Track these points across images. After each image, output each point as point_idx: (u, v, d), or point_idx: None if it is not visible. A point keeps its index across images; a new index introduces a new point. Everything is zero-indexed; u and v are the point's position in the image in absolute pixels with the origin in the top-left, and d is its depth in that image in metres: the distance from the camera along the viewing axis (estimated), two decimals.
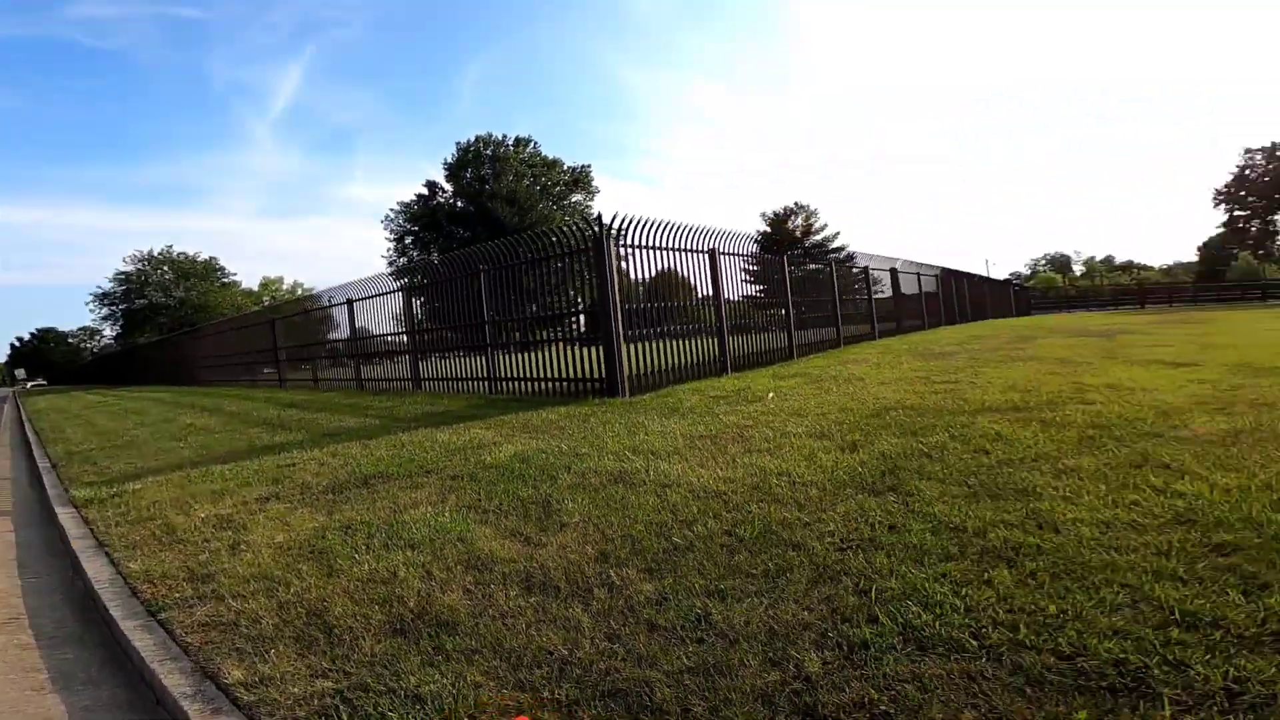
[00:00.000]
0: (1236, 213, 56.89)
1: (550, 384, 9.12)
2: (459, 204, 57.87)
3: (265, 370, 20.46)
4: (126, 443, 8.54)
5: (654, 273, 9.16)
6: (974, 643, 2.00)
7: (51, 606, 3.34)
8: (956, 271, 26.34)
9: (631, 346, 8.44)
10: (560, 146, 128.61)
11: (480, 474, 4.56)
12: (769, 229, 54.53)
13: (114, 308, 66.30)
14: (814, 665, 1.99)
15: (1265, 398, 4.87)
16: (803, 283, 13.65)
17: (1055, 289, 58.14)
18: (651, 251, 8.93)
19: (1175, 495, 2.95)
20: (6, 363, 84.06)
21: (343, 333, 15.36)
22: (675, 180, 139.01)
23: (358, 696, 2.02)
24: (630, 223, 8.55)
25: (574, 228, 8.83)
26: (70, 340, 79.91)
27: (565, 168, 61.05)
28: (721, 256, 10.20)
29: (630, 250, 8.73)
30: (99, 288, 66.92)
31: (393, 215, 60.20)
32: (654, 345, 8.80)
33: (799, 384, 7.82)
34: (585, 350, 8.71)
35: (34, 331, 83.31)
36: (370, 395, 12.44)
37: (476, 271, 10.51)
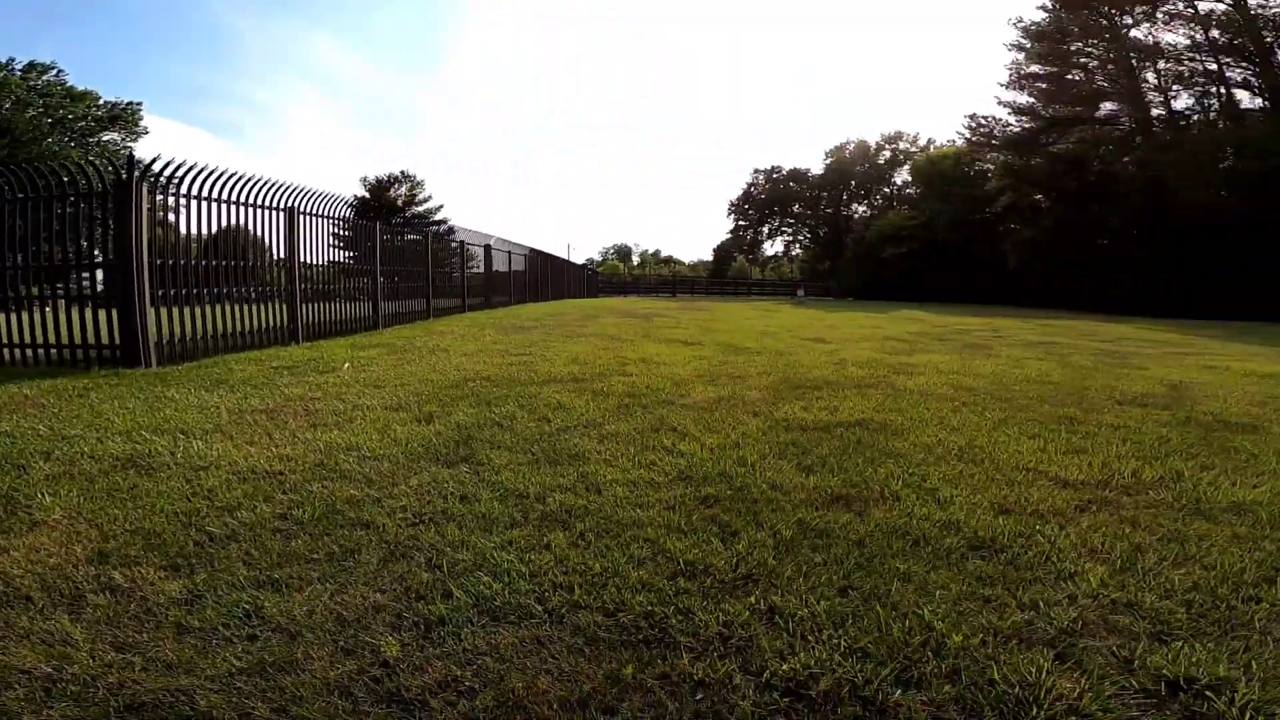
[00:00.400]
0: (740, 223, 73.87)
1: (28, 350, 6.75)
2: None
3: None
4: None
5: (218, 228, 7.74)
6: (539, 607, 2.08)
7: None
8: (543, 253, 28.55)
9: (173, 310, 6.86)
10: (109, 83, 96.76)
11: None
12: (368, 195, 51.69)
13: None
14: (392, 648, 1.89)
15: (739, 371, 6.53)
16: (398, 252, 13.14)
17: (617, 275, 68.29)
18: (214, 204, 7.61)
19: (679, 455, 3.64)
20: None
21: None
22: (266, 135, 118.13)
23: None
24: (183, 169, 7.11)
25: (91, 165, 6.89)
26: None
27: (101, 102, 48.26)
28: (301, 216, 9.12)
29: (185, 200, 7.28)
30: None
31: None
32: (203, 310, 7.32)
33: (380, 354, 7.44)
34: (101, 314, 6.71)
35: None
36: None
37: None
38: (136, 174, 6.59)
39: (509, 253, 21.57)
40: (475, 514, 2.80)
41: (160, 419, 4.15)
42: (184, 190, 7.22)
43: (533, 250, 25.67)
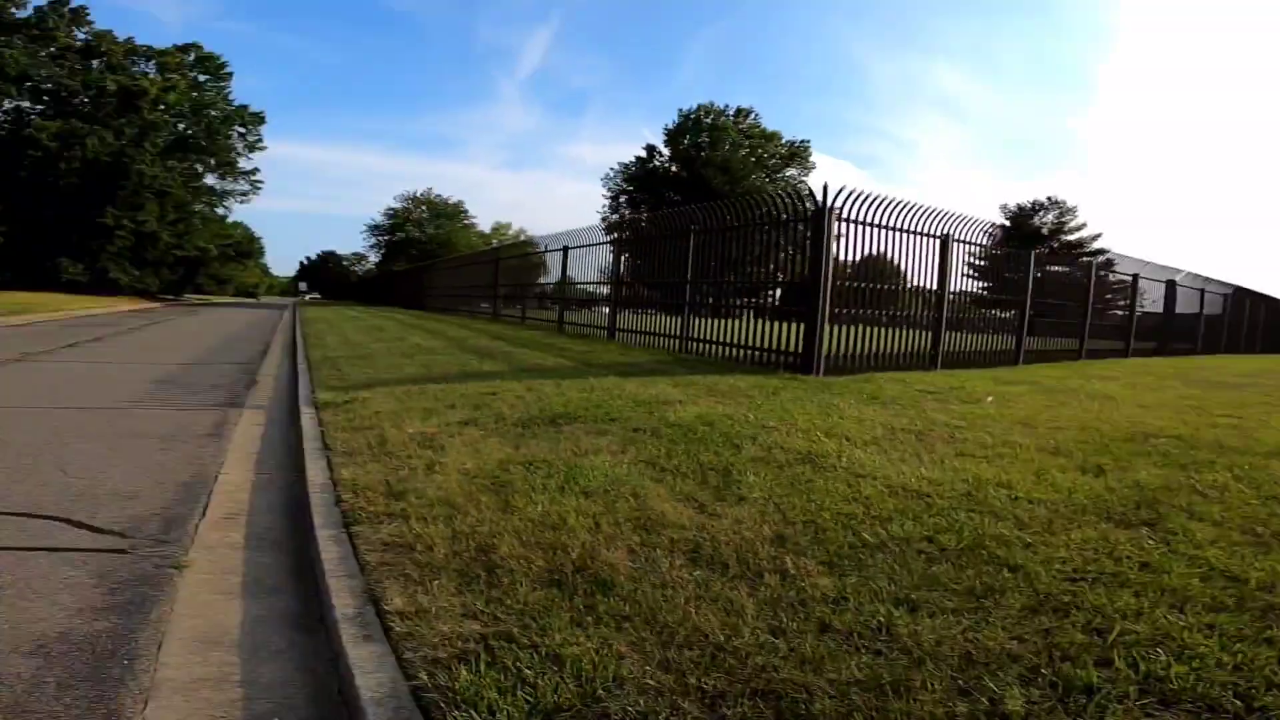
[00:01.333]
0: None
1: (740, 350, 8.91)
2: (674, 169, 59.35)
3: (481, 304, 22.58)
4: (366, 355, 9.79)
5: (865, 253, 8.51)
6: (1238, 703, 1.67)
7: (269, 507, 3.55)
8: (1254, 292, 21.50)
9: (832, 326, 7.92)
10: (778, 120, 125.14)
11: (663, 430, 4.49)
12: (1008, 222, 49.24)
13: (380, 238, 77.95)
14: (1015, 703, 1.65)
15: None
16: (1043, 283, 11.92)
17: None
18: (872, 229, 8.25)
19: None
20: (295, 277, 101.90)
21: (553, 278, 16.40)
22: (900, 163, 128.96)
23: (500, 646, 1.91)
24: (855, 197, 7.97)
25: (792, 196, 8.51)
26: (344, 262, 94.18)
27: (783, 141, 60.62)
28: (955, 244, 9.16)
29: (848, 225, 8.11)
30: (371, 220, 79.29)
31: (611, 174, 63.38)
32: (855, 328, 8.20)
33: (1026, 391, 6.80)
34: (780, 324, 8.37)
35: (319, 253, 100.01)
36: (567, 338, 13.11)
37: (686, 231, 10.54)
38: (830, 203, 7.75)
39: (1200, 291, 17.00)
40: (1160, 585, 2.30)
41: (830, 423, 4.73)
42: (850, 215, 7.97)
43: (1236, 289, 19.49)
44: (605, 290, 13.98)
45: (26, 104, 39.61)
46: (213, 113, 46.37)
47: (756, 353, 8.58)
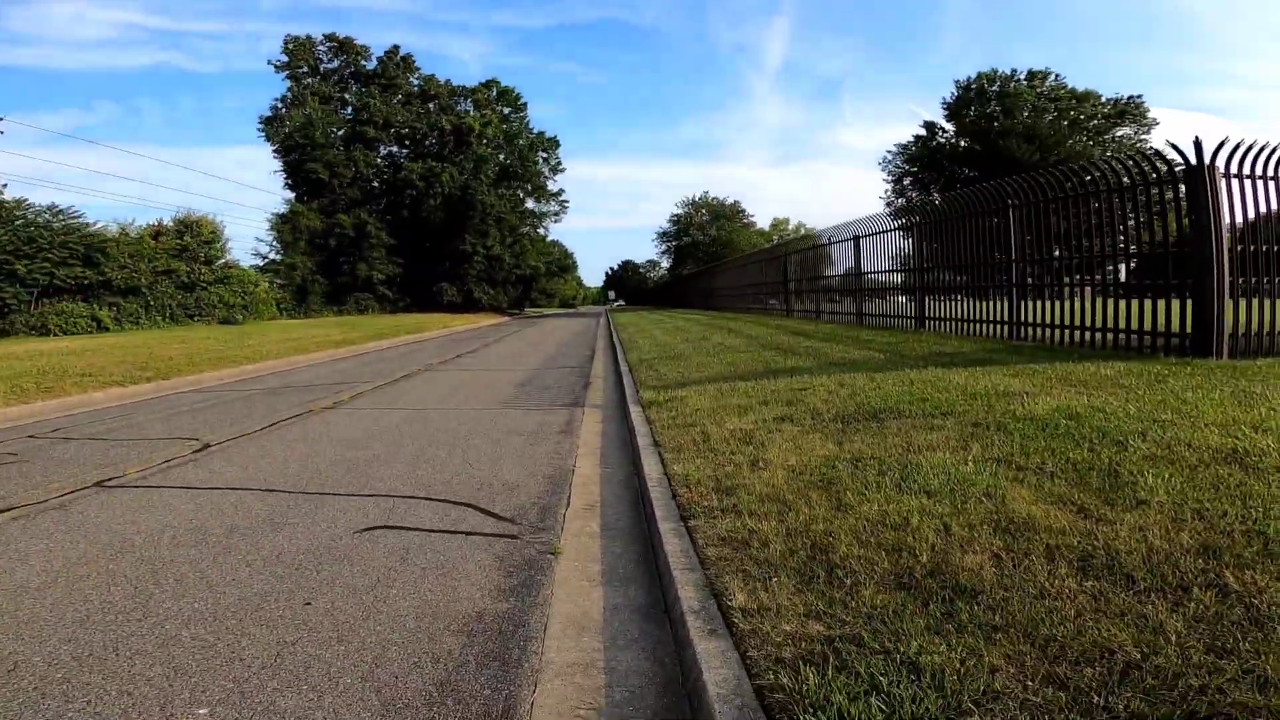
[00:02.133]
0: None
1: (1095, 334, 7.47)
2: (962, 143, 53.34)
3: (770, 301, 22.65)
4: (676, 355, 10.46)
5: (1263, 213, 6.51)
6: None
7: (616, 498, 3.92)
8: None
9: (1233, 301, 6.20)
10: (1086, 79, 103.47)
11: (1011, 425, 3.91)
12: None
13: (668, 244, 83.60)
14: None
15: None
16: None
17: None
18: (1269, 183, 6.36)
19: None
20: (603, 286, 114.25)
21: (844, 268, 15.72)
22: (1266, 106, 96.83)
23: (848, 650, 1.79)
24: (1242, 148, 6.19)
25: (1147, 155, 6.89)
26: (640, 269, 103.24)
27: (1103, 100, 50.43)
28: None
29: (1238, 182, 6.31)
30: (660, 228, 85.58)
31: (889, 157, 58.98)
32: (1268, 302, 6.30)
33: None
34: (1139, 302, 6.81)
35: (620, 263, 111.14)
36: (870, 330, 12.42)
37: (1003, 206, 9.30)
38: (1208, 158, 6.13)
39: None
40: None
41: (1256, 417, 3.65)
42: (1240, 171, 6.25)
43: None
44: (899, 279, 12.99)
45: (395, 149, 48.47)
46: (520, 141, 52.04)
47: (1121, 335, 7.12)
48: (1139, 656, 1.64)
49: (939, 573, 2.19)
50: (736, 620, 2.04)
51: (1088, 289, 8.20)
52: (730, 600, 2.17)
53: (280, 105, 46.47)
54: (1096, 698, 1.50)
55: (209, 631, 2.24)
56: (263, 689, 1.90)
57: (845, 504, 2.92)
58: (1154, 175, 6.80)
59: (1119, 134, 49.45)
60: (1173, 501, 2.58)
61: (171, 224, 29.55)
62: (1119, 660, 1.63)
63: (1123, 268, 8.03)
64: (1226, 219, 6.17)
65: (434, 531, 3.26)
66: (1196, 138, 6.27)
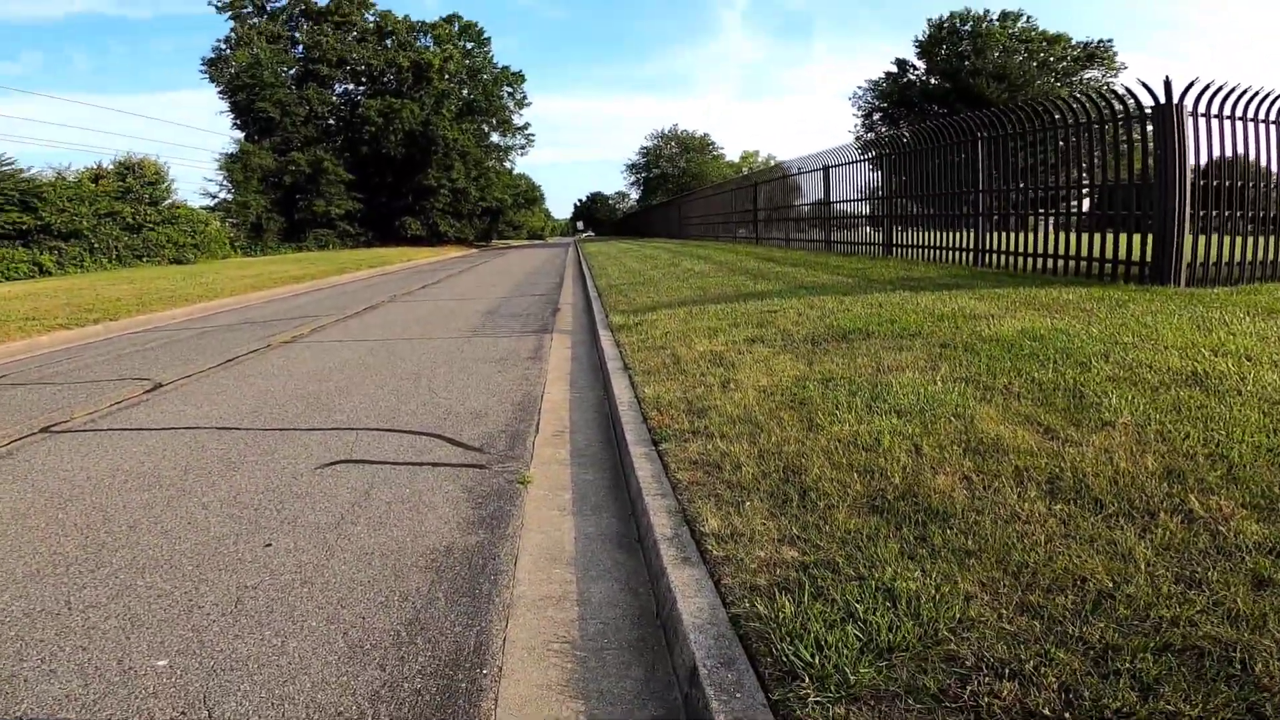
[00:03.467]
0: None
1: (1057, 261, 7.56)
2: (932, 81, 53.42)
3: (739, 231, 22.44)
4: (646, 281, 10.30)
5: (1220, 153, 6.64)
6: None
7: (587, 423, 3.85)
8: None
9: (1205, 234, 6.42)
10: (1060, 24, 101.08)
11: (977, 346, 3.93)
12: None
13: (638, 176, 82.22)
14: None
15: None
16: None
17: None
18: (1227, 123, 6.51)
19: None
20: (571, 218, 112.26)
21: (812, 198, 15.58)
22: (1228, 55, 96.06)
23: (823, 576, 1.77)
24: (1208, 90, 6.38)
25: (1119, 93, 6.88)
26: (609, 201, 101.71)
27: (1074, 43, 50.59)
28: None
29: (1196, 120, 6.41)
30: (628, 161, 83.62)
31: (860, 93, 58.72)
32: (1220, 235, 6.50)
33: None
34: (1099, 234, 6.98)
35: (588, 195, 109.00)
36: (839, 256, 12.38)
37: (973, 140, 9.27)
38: (1176, 97, 6.15)
39: None
40: None
41: (1215, 341, 3.69)
42: (1220, 111, 6.28)
43: None
44: (866, 209, 12.98)
45: (351, 86, 46.97)
46: (484, 76, 51.01)
47: (1082, 262, 7.23)
48: (1110, 585, 1.64)
49: (911, 495, 2.19)
50: (710, 547, 2.01)
51: (1050, 220, 8.27)
52: (703, 526, 2.14)
53: (224, 47, 43.84)
54: (1071, 627, 1.50)
55: (165, 579, 2.15)
56: (223, 636, 1.82)
57: (817, 424, 2.91)
58: (1123, 112, 6.81)
59: (1087, 76, 49.88)
60: (1136, 423, 2.61)
61: (112, 167, 27.97)
62: (1091, 589, 1.64)
63: (1086, 201, 8.08)
64: (1191, 157, 6.26)
65: (399, 464, 3.18)
66: (1167, 77, 6.37)
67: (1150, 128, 6.49)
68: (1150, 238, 6.45)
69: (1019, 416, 2.79)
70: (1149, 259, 6.42)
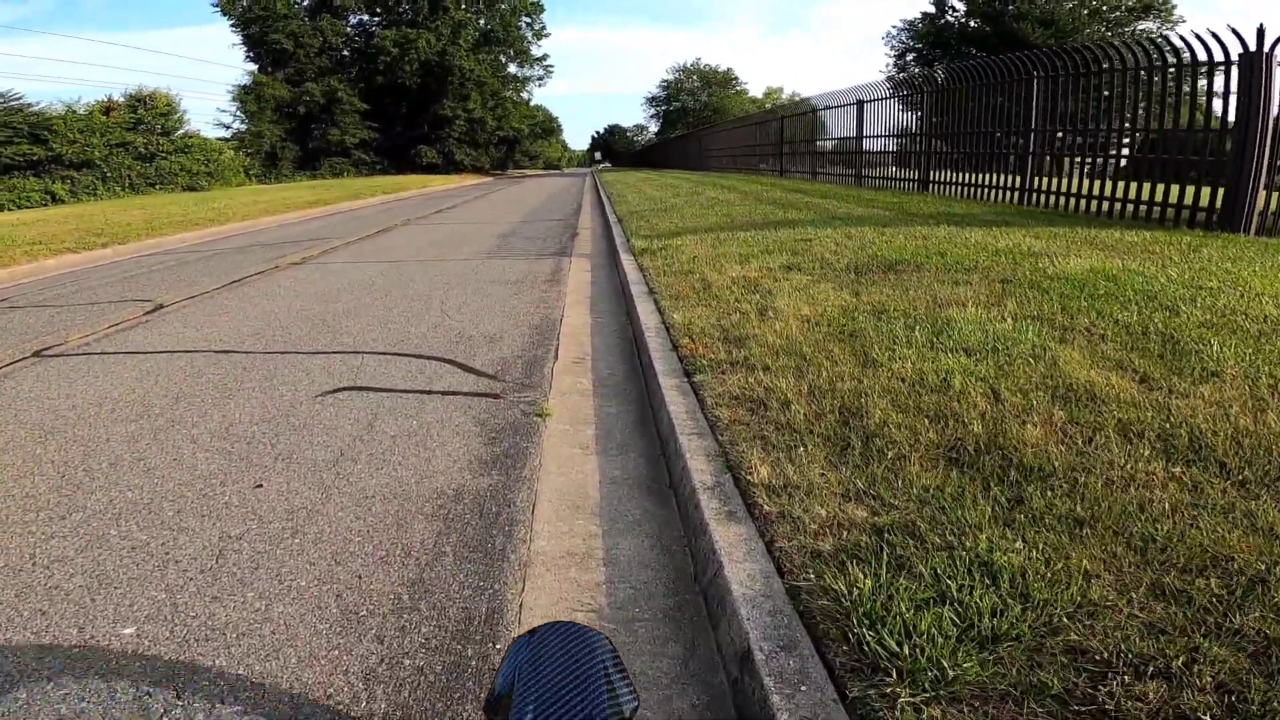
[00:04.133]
0: None
1: (1115, 204, 7.00)
2: (972, 24, 50.56)
3: (762, 165, 21.57)
4: (668, 208, 9.81)
5: None
6: None
7: (609, 349, 3.56)
8: None
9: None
10: None
11: (1044, 284, 3.54)
12: None
13: (658, 109, 79.77)
14: None
15: None
16: None
17: None
18: None
19: None
20: (589, 149, 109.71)
21: (843, 133, 14.78)
22: None
23: (902, 543, 1.47)
24: None
25: (1203, 38, 6.28)
26: (628, 134, 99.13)
27: None
28: None
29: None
30: (649, 93, 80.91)
31: (894, 32, 56.09)
32: None
33: None
34: (1167, 180, 6.55)
35: (606, 127, 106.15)
36: (871, 190, 11.76)
37: (1027, 78, 8.58)
38: (1268, 46, 5.59)
39: None
40: None
41: None
42: None
43: None
44: (911, 141, 12.22)
45: (365, 17, 45.65)
46: (502, 6, 49.22)
47: (1142, 206, 6.70)
48: (1262, 569, 1.33)
49: (997, 447, 1.87)
50: (760, 500, 1.71)
51: (1108, 163, 7.70)
52: (750, 475, 1.83)
53: None
54: (1219, 617, 1.21)
55: (141, 528, 1.91)
56: (200, 598, 1.58)
57: (873, 360, 2.58)
58: (1204, 60, 6.19)
59: (1140, 27, 46.39)
60: (1245, 374, 2.27)
61: (123, 100, 27.39)
62: (1237, 571, 1.33)
63: (1147, 147, 7.47)
64: (1275, 109, 5.72)
65: (406, 392, 2.92)
66: (1260, 25, 5.81)
67: (1235, 74, 5.93)
68: (1227, 181, 5.97)
69: (1109, 361, 2.45)
70: (1218, 206, 5.96)
